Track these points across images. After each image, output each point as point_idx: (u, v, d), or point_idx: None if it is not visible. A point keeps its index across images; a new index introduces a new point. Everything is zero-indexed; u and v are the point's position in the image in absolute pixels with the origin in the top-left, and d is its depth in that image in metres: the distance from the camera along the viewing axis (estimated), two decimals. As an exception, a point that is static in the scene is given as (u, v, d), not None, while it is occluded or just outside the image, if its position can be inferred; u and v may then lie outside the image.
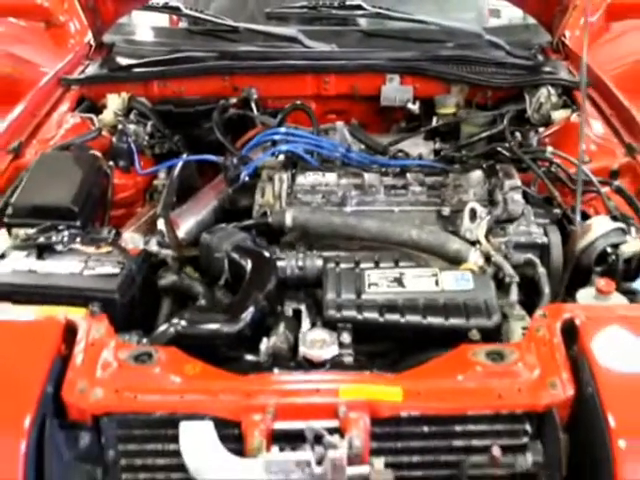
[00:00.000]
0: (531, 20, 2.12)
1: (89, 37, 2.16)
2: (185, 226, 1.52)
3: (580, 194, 1.34)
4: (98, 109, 1.85)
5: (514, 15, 2.47)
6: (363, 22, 2.18)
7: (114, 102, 1.83)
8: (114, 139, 1.69)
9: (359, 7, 2.12)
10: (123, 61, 2.00)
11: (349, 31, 2.13)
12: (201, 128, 1.84)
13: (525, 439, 1.07)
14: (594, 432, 1.00)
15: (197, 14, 2.10)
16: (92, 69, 1.98)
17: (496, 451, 1.04)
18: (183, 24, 2.43)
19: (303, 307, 1.29)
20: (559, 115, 1.75)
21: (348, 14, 2.15)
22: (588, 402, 1.03)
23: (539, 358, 1.09)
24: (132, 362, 1.09)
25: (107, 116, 1.78)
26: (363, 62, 1.95)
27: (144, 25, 2.31)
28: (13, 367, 1.08)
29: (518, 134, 1.67)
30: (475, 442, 1.06)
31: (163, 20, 2.56)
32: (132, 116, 1.81)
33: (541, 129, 1.76)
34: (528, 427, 1.06)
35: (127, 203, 1.65)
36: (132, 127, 1.74)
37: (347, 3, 2.12)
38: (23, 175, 1.51)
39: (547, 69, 1.92)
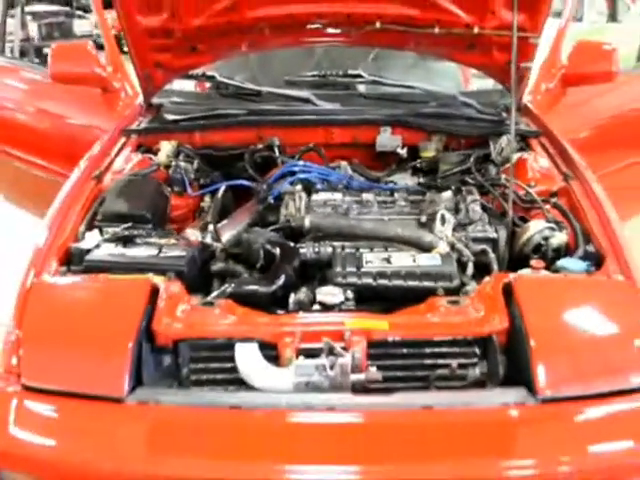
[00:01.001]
0: (499, 86, 2.70)
1: (139, 100, 2.75)
2: (225, 236, 2.03)
3: (511, 200, 1.88)
4: (153, 152, 2.40)
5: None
6: (362, 87, 2.76)
7: (166, 147, 2.38)
8: (170, 171, 2.24)
9: (359, 76, 2.72)
10: (171, 117, 2.56)
11: (351, 94, 2.70)
12: (235, 167, 2.38)
13: (475, 359, 1.56)
14: (521, 351, 1.50)
15: (230, 81, 2.68)
16: (146, 123, 2.54)
17: (454, 366, 1.55)
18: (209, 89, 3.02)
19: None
20: (516, 157, 2.30)
21: (350, 81, 2.73)
22: (517, 332, 1.53)
23: (484, 304, 1.59)
24: (200, 303, 1.61)
25: (161, 157, 2.32)
26: (362, 117, 2.51)
27: (183, 89, 2.91)
28: (120, 309, 1.58)
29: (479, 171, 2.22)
30: (440, 361, 1.56)
31: (189, 85, 3.14)
32: (181, 157, 2.36)
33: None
34: (477, 350, 1.56)
35: (180, 220, 2.18)
36: (182, 164, 2.29)
37: (349, 72, 2.73)
38: (105, 194, 2.05)
39: (508, 122, 2.47)
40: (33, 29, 13.17)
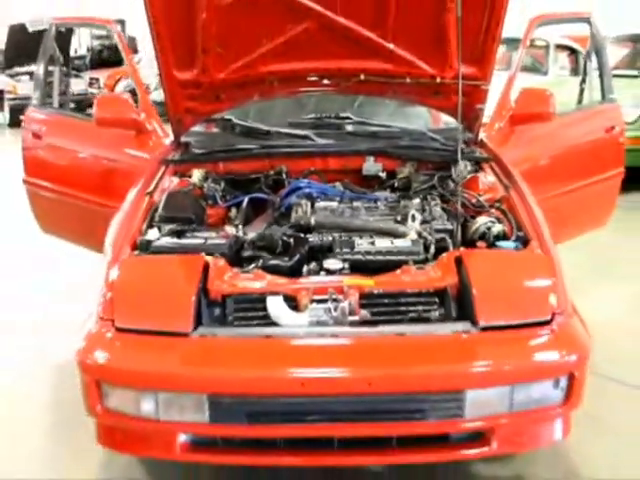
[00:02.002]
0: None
1: (169, 138, 3.47)
2: (251, 234, 2.71)
3: (459, 203, 2.61)
4: (187, 177, 3.11)
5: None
6: (350, 127, 3.49)
7: (197, 174, 3.09)
8: (204, 189, 2.96)
9: (348, 118, 3.48)
10: (198, 151, 3.28)
11: (341, 132, 3.44)
12: (252, 188, 3.10)
13: (435, 305, 2.26)
14: (467, 298, 2.20)
15: (245, 123, 3.43)
16: (179, 156, 3.26)
17: (420, 309, 2.24)
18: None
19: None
20: (468, 174, 3.03)
21: (340, 122, 3.49)
22: (464, 286, 2.23)
23: (441, 269, 2.30)
24: (240, 272, 2.31)
25: (195, 179, 3.04)
26: (350, 149, 3.23)
27: (204, 130, 3.63)
28: (184, 275, 2.28)
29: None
30: (411, 307, 2.25)
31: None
32: (210, 180, 3.08)
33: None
34: (436, 299, 2.26)
35: (213, 225, 2.87)
36: (212, 185, 3.01)
37: (340, 115, 3.48)
38: (158, 204, 2.75)
39: (466, 151, 3.21)
40: (31, 88, 14.02)
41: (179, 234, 2.56)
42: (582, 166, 3.89)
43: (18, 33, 14.20)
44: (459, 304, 2.25)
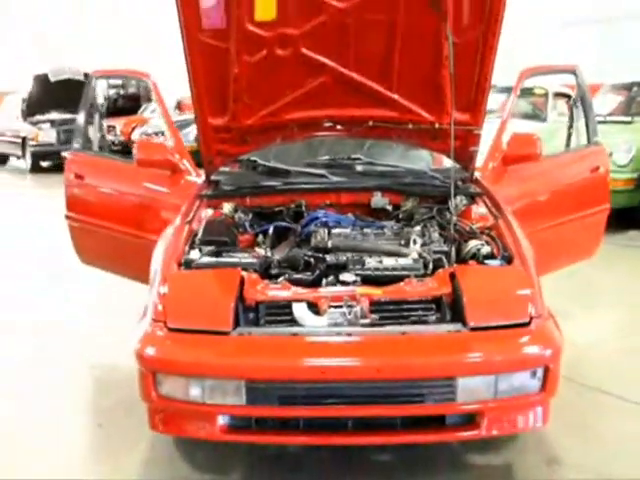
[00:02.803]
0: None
1: (201, 177, 4.00)
2: (277, 255, 3.21)
3: (452, 229, 3.12)
4: (219, 209, 3.63)
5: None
6: (360, 167, 4.01)
7: (227, 206, 3.62)
8: (236, 219, 3.47)
9: (358, 159, 4.01)
10: (228, 188, 3.80)
11: (352, 171, 3.96)
12: (276, 218, 3.61)
13: (432, 311, 2.75)
14: (459, 304, 2.69)
15: (268, 164, 3.95)
16: (211, 192, 3.78)
17: (420, 314, 2.73)
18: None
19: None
20: (463, 206, 3.55)
21: (352, 163, 4.02)
22: (457, 295, 2.72)
23: (438, 281, 2.80)
24: (270, 284, 2.81)
25: (226, 211, 3.57)
26: (360, 186, 3.75)
27: (231, 170, 4.16)
28: (224, 284, 2.78)
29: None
30: (412, 312, 2.74)
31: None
32: (239, 212, 3.60)
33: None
34: (433, 306, 2.75)
35: (243, 249, 3.38)
36: (242, 216, 3.53)
37: (351, 156, 4.02)
38: (196, 230, 3.27)
39: (461, 187, 3.72)
40: (52, 135, 14.77)
41: (217, 254, 3.07)
42: (570, 202, 4.37)
43: (41, 82, 15.00)
44: (452, 310, 2.74)
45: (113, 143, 15.51)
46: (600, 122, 7.68)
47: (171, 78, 7.15)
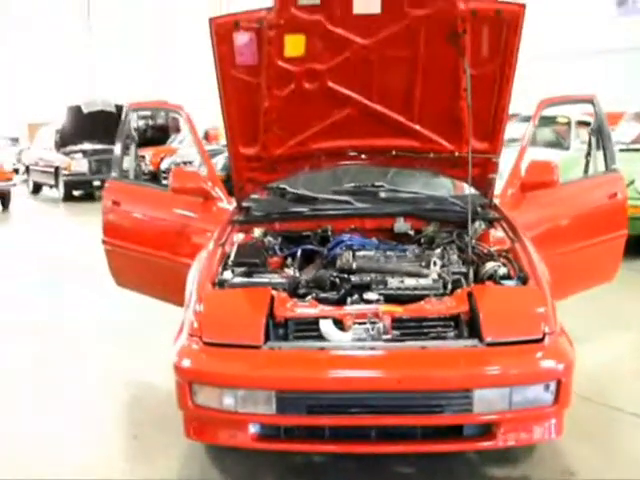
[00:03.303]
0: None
1: (232, 204, 4.24)
2: (304, 275, 3.43)
3: (470, 252, 3.31)
4: (250, 233, 3.86)
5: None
6: (383, 194, 4.22)
7: (258, 231, 3.85)
8: (266, 243, 3.70)
9: (382, 186, 4.22)
10: (258, 213, 4.04)
11: (377, 198, 4.17)
12: (304, 242, 3.83)
13: (451, 327, 2.94)
14: (476, 321, 2.88)
15: (296, 191, 4.17)
16: (243, 217, 4.01)
17: (439, 330, 2.92)
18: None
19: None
20: (481, 229, 3.74)
21: (376, 190, 4.23)
22: (474, 313, 2.91)
23: (456, 300, 2.99)
24: (299, 302, 3.02)
25: (257, 235, 3.80)
26: (384, 212, 3.96)
27: (262, 197, 4.39)
28: (256, 302, 3.00)
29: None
30: (432, 329, 2.93)
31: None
32: (269, 236, 3.82)
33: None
34: (452, 323, 2.94)
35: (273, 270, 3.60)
36: (271, 240, 3.76)
37: (375, 184, 4.24)
38: (229, 253, 3.50)
39: (480, 213, 3.91)
40: (84, 165, 15.21)
41: (248, 275, 3.29)
42: (589, 228, 4.54)
43: (74, 114, 15.50)
44: (470, 326, 2.93)
45: (143, 173, 15.92)
46: (622, 150, 7.94)
47: (198, 109, 7.46)
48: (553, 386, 2.78)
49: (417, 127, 3.76)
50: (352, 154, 3.97)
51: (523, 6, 3.35)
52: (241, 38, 3.42)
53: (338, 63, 3.49)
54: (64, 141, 15.98)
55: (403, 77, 3.59)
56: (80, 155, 15.60)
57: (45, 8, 36.12)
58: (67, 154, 15.64)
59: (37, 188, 17.97)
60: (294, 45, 3.43)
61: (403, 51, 3.48)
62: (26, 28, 34.57)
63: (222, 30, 3.38)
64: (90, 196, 15.79)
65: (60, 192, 15.71)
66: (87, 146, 16.00)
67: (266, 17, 3.33)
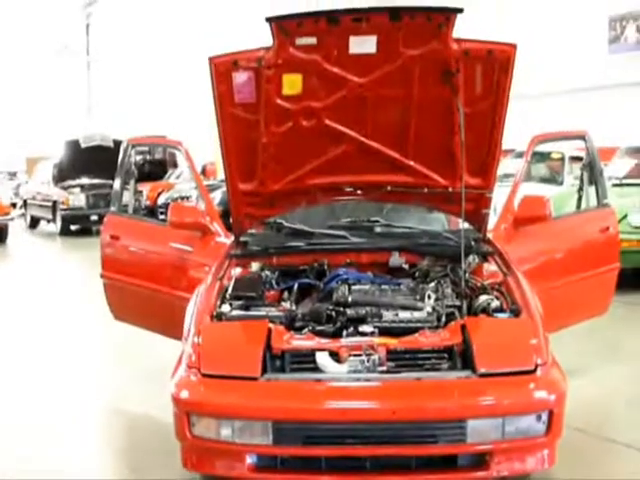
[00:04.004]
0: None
1: (230, 238, 4.32)
2: (301, 309, 3.50)
3: (463, 285, 3.39)
4: (248, 267, 3.94)
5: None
6: (379, 229, 4.31)
7: (255, 265, 3.93)
8: (263, 276, 3.78)
9: (377, 221, 4.31)
10: (255, 248, 4.11)
11: (372, 233, 4.26)
12: (300, 276, 3.90)
13: (444, 359, 3.00)
14: (469, 353, 2.95)
15: (293, 226, 4.25)
16: (240, 252, 4.09)
17: (433, 362, 2.99)
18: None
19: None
20: (475, 263, 3.83)
21: (371, 225, 4.32)
22: (467, 345, 2.98)
23: (450, 332, 3.06)
24: (295, 334, 3.09)
25: (254, 268, 3.88)
26: (379, 246, 4.03)
27: (259, 231, 4.47)
28: (253, 334, 3.06)
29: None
30: (426, 361, 3.00)
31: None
32: (266, 270, 3.90)
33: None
34: (446, 355, 3.01)
35: (270, 304, 3.67)
36: (268, 274, 3.83)
37: (370, 219, 4.33)
38: (227, 286, 3.57)
39: (474, 247, 4.00)
40: (82, 199, 15.32)
41: (246, 308, 3.36)
42: (581, 261, 4.63)
43: (72, 148, 15.66)
44: (463, 358, 2.99)
45: (140, 207, 16.06)
46: (615, 185, 8.07)
47: (195, 145, 7.57)
48: (545, 416, 2.84)
49: (411, 163, 3.85)
50: (348, 190, 4.07)
51: (514, 46, 3.46)
52: (240, 77, 3.53)
53: (334, 101, 3.60)
54: (62, 175, 16.13)
55: (398, 115, 3.69)
56: (78, 190, 15.73)
57: (44, 43, 36.60)
58: (65, 188, 15.77)
59: (34, 222, 18.06)
60: (292, 84, 3.55)
61: (398, 90, 3.58)
62: (25, 62, 34.99)
63: (221, 69, 3.50)
64: (87, 231, 15.88)
65: (57, 226, 15.81)
66: (85, 181, 16.15)
67: (264, 56, 3.44)
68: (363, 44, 3.42)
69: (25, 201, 18.19)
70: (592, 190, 4.88)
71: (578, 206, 5.13)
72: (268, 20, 3.31)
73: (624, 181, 8.42)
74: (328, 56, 3.45)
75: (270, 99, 3.55)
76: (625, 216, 7.41)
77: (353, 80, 3.54)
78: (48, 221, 16.71)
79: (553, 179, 9.51)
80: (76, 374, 5.44)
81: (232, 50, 3.57)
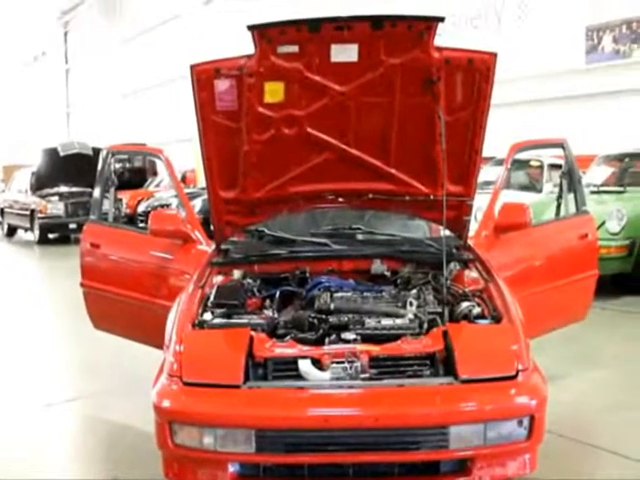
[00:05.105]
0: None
1: (211, 246, 4.31)
2: (283, 316, 3.50)
3: (445, 292, 3.41)
4: (229, 275, 3.93)
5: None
6: (360, 236, 4.32)
7: (236, 273, 3.92)
8: (245, 283, 3.77)
9: (359, 229, 4.33)
10: (237, 256, 4.11)
11: (354, 240, 4.27)
12: (282, 284, 3.90)
13: (427, 366, 3.02)
14: (451, 360, 2.96)
15: (275, 234, 4.25)
16: (222, 260, 4.08)
17: (415, 369, 3.00)
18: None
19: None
20: (455, 271, 3.85)
21: (353, 232, 4.33)
22: (449, 351, 3.00)
23: (432, 339, 3.07)
24: (277, 342, 3.09)
25: (236, 276, 3.87)
26: (361, 253, 4.05)
27: (240, 239, 4.47)
28: (235, 342, 3.06)
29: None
30: (408, 367, 3.01)
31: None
32: (248, 278, 3.89)
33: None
34: (428, 362, 3.02)
35: (251, 312, 3.66)
36: (250, 281, 3.83)
37: (352, 227, 4.34)
38: (208, 294, 3.56)
39: (455, 254, 4.02)
40: (60, 208, 15.22)
41: (228, 316, 3.36)
42: (561, 268, 4.67)
43: (50, 156, 15.55)
44: (445, 364, 3.01)
45: (120, 216, 15.98)
46: (593, 192, 8.15)
47: (175, 152, 7.57)
48: (526, 422, 2.86)
49: (393, 171, 3.87)
50: (330, 197, 4.07)
51: (494, 55, 3.50)
52: (222, 84, 3.54)
53: (316, 109, 3.61)
54: (40, 184, 16.01)
55: (379, 123, 3.71)
56: (56, 198, 15.62)
57: (22, 51, 36.37)
58: (43, 197, 15.65)
59: (12, 231, 17.92)
60: (274, 92, 3.56)
61: (379, 98, 3.60)
62: (1, 70, 34.73)
63: (203, 77, 3.50)
64: (66, 239, 15.78)
65: (35, 235, 15.68)
66: (63, 189, 16.04)
67: (246, 64, 3.44)
68: (345, 52, 3.44)
69: (2, 209, 18.01)
70: (571, 197, 4.92)
71: (557, 213, 5.17)
72: (250, 28, 3.32)
73: (602, 188, 8.51)
74: (310, 64, 3.47)
75: (252, 107, 3.56)
76: (603, 223, 7.50)
77: (335, 88, 3.56)
78: (26, 230, 16.58)
79: (532, 187, 9.59)
80: (54, 383, 5.40)
81: (214, 58, 3.58)
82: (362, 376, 2.95)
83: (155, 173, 20.64)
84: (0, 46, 34.44)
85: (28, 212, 15.80)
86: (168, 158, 4.94)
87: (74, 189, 15.95)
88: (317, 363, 3.00)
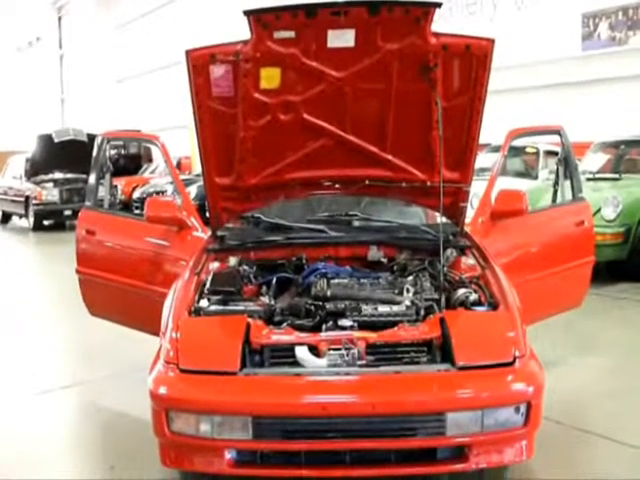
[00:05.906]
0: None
1: (207, 233, 4.29)
2: (279, 303, 3.49)
3: (442, 279, 3.40)
4: (225, 262, 3.92)
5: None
6: (357, 222, 4.30)
7: (233, 260, 3.90)
8: (241, 270, 3.75)
9: (355, 215, 4.32)
10: (233, 242, 4.09)
11: (350, 227, 4.26)
12: (278, 270, 3.89)
13: (424, 352, 3.01)
14: (448, 346, 2.96)
15: (271, 220, 4.24)
16: (218, 246, 4.06)
17: (412, 355, 3.00)
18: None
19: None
20: (453, 257, 3.84)
21: (349, 219, 4.31)
22: (446, 337, 2.99)
23: (428, 326, 3.07)
24: (274, 329, 3.08)
25: (232, 263, 3.85)
26: (358, 240, 4.04)
27: (237, 226, 4.45)
28: (232, 329, 3.05)
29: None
30: (405, 354, 3.01)
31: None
32: (244, 265, 3.88)
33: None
34: (425, 348, 3.02)
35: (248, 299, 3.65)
36: (247, 268, 3.81)
37: (349, 213, 4.33)
38: (205, 281, 3.54)
39: (452, 241, 4.01)
40: (55, 194, 15.16)
41: (224, 303, 3.35)
42: (557, 255, 4.66)
43: (44, 143, 15.46)
44: (442, 351, 3.00)
45: (115, 202, 15.92)
46: (589, 179, 8.14)
47: (170, 139, 7.52)
48: (523, 408, 2.86)
49: (390, 157, 3.86)
50: (326, 184, 4.06)
51: (492, 41, 3.47)
52: (217, 70, 3.51)
53: (313, 95, 3.59)
54: (34, 170, 15.92)
55: (376, 109, 3.69)
56: (51, 184, 15.54)
57: (16, 36, 36.13)
58: (38, 183, 15.58)
59: (6, 218, 17.86)
60: (270, 77, 3.53)
61: (376, 84, 3.58)
62: (-4, 56, 34.54)
63: (199, 62, 3.47)
64: (61, 226, 15.73)
65: (30, 222, 15.63)
66: (58, 175, 15.96)
67: (242, 50, 3.42)
68: (341, 38, 3.41)
69: (-4, 196, 17.95)
70: (567, 184, 4.91)
71: (554, 200, 5.16)
72: (246, 13, 3.29)
73: (597, 175, 8.50)
74: (306, 50, 3.44)
75: (248, 93, 3.53)
76: (599, 210, 7.50)
77: (331, 74, 3.53)
78: (20, 216, 16.51)
79: (528, 173, 9.58)
80: (49, 370, 5.39)
81: (209, 43, 3.54)
82: (359, 363, 2.95)
83: (150, 160, 20.55)
84: (-7, 31, 34.21)
85: (23, 199, 15.73)
86: (164, 144, 4.91)
87: (69, 175, 15.88)
88: (314, 350, 2.99)
